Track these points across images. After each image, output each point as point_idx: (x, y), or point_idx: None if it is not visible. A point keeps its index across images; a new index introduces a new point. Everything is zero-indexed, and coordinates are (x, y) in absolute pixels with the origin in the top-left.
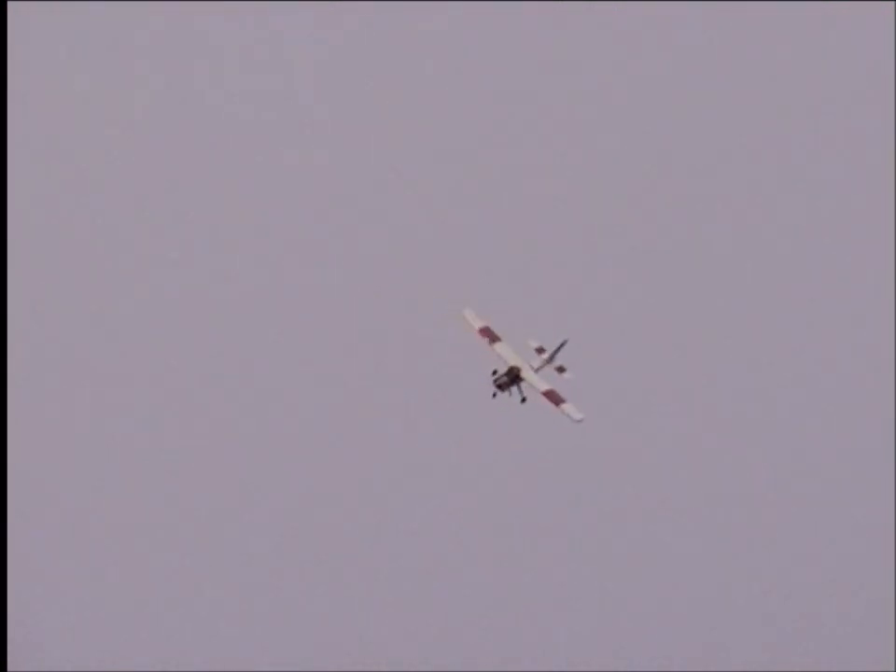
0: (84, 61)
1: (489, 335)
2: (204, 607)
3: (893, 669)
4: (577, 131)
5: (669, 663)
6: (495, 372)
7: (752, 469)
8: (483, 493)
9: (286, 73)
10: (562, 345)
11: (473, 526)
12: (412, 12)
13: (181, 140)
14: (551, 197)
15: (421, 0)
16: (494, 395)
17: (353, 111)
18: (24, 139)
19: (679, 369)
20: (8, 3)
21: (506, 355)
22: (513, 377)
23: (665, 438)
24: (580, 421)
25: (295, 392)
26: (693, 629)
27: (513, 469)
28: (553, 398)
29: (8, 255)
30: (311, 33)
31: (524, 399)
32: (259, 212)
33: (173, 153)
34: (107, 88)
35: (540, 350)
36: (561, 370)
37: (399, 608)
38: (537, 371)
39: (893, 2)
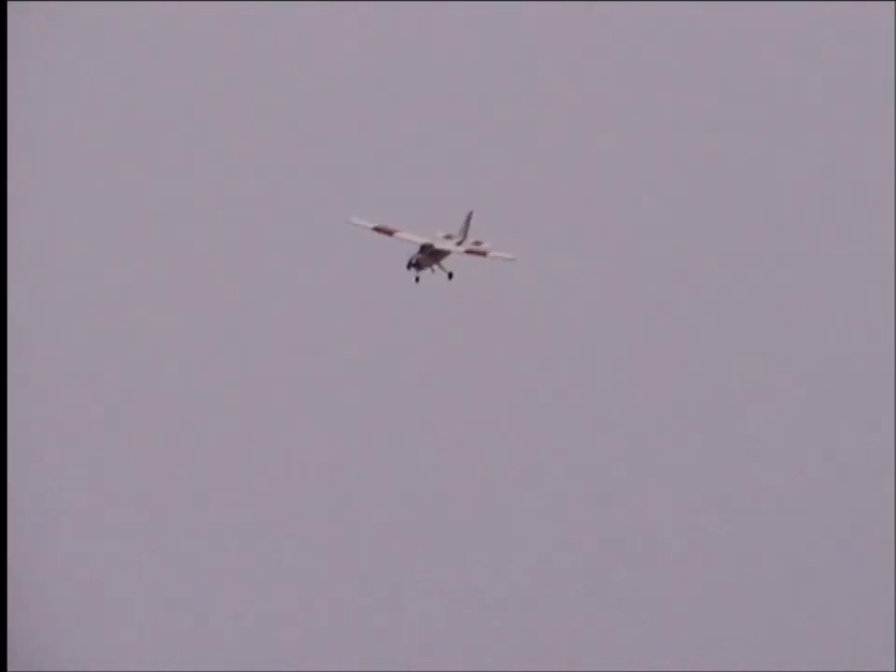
0: (83, 60)
1: (385, 230)
2: (205, 606)
3: (893, 669)
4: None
5: (668, 661)
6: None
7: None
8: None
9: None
10: (470, 217)
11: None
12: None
13: (180, 141)
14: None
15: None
16: (417, 280)
17: None
18: (24, 139)
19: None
20: (8, 3)
21: (413, 238)
22: (431, 252)
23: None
24: (513, 259)
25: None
26: (690, 627)
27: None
28: (478, 251)
29: (8, 259)
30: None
31: (450, 275)
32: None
33: (172, 154)
34: (107, 87)
35: (448, 236)
36: (478, 243)
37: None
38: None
39: (893, 2)
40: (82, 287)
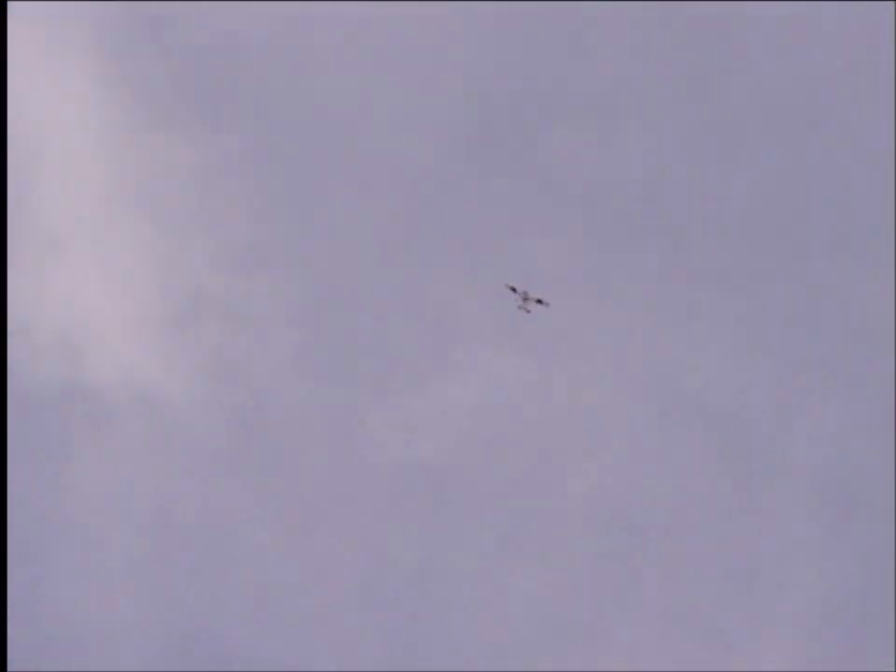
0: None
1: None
2: (206, 607)
3: (893, 670)
4: None
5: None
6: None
7: None
8: None
9: None
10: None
11: None
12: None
13: (183, 144)
14: None
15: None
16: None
17: None
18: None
19: None
20: (8, 3)
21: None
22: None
23: None
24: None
25: None
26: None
27: None
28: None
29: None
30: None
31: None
32: None
33: (176, 160)
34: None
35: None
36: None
37: None
38: None
39: (893, 2)
40: None
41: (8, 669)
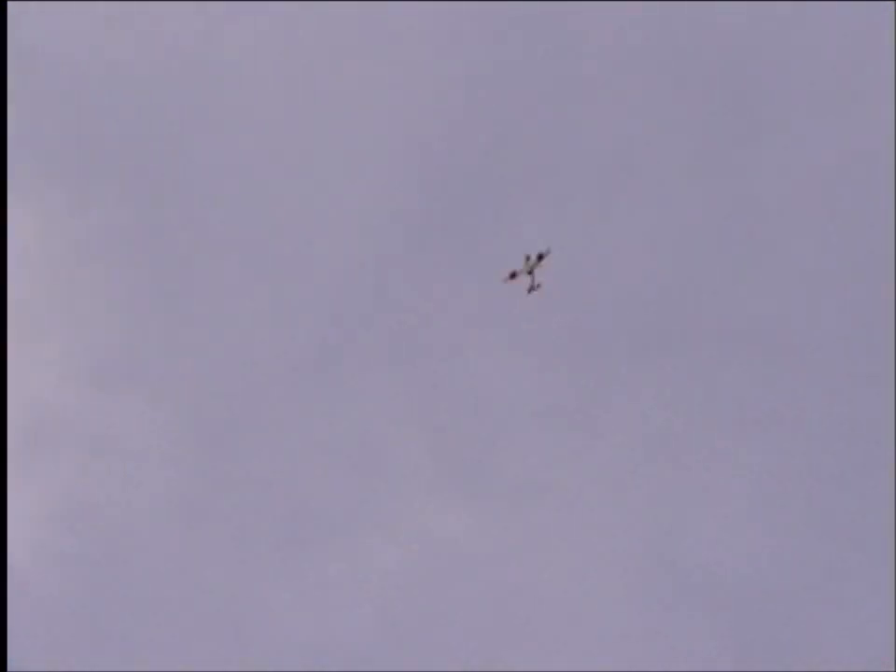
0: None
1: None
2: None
3: (893, 669)
4: None
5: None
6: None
7: None
8: None
9: None
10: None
11: None
12: None
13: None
14: None
15: None
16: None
17: None
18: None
19: None
20: (8, 3)
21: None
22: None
23: None
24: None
25: None
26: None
27: None
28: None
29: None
30: None
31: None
32: None
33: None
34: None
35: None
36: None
37: None
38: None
39: (893, 2)
40: None
41: (8, 669)
